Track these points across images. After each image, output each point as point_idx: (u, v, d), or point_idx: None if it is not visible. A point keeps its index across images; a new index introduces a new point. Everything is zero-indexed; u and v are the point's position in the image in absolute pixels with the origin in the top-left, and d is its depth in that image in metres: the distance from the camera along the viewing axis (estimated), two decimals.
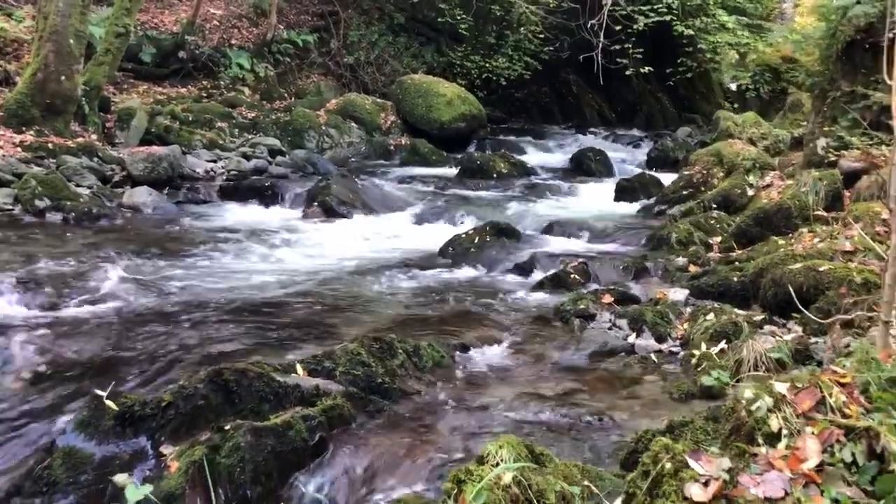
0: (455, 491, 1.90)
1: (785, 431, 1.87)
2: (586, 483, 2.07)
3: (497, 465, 1.94)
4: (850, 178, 6.45)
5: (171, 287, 5.44)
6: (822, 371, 2.10)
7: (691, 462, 1.78)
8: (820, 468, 1.77)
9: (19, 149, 8.78)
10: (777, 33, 17.71)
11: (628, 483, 1.89)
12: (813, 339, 4.04)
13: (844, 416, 1.87)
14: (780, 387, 1.97)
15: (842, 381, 1.98)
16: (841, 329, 3.76)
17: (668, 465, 1.76)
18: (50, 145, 9.05)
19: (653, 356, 4.32)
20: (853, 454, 1.77)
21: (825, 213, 6.07)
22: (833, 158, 6.88)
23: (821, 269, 4.52)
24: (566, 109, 20.41)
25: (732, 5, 18.74)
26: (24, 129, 9.24)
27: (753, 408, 1.93)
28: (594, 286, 5.72)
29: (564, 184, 11.13)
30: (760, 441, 1.89)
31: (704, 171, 8.85)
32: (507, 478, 1.87)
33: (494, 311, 5.21)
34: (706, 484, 1.72)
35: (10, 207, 7.45)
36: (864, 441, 1.78)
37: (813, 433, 1.85)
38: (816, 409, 1.91)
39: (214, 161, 10.68)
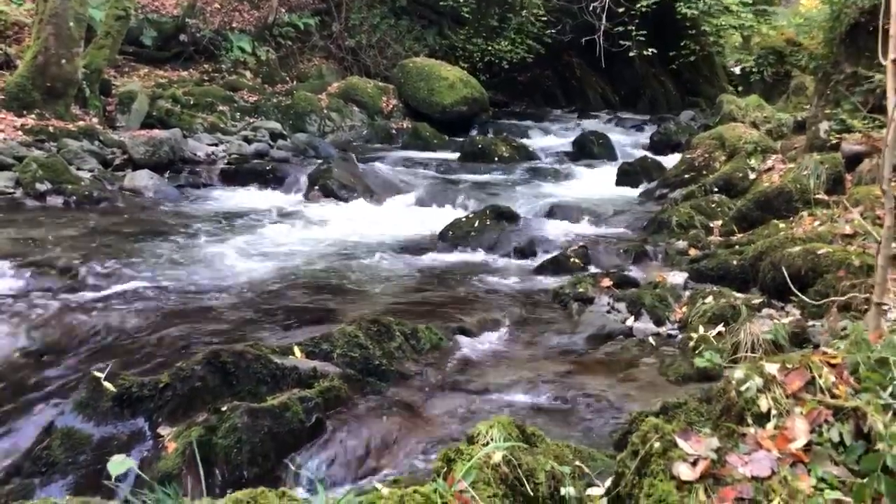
0: (445, 470, 1.91)
1: (774, 412, 1.88)
2: (577, 463, 2.08)
3: (487, 444, 1.96)
4: (852, 161, 6.43)
5: (169, 270, 5.45)
6: (814, 352, 2.11)
7: (680, 442, 1.79)
8: (808, 448, 1.78)
9: (20, 132, 8.79)
10: (781, 16, 17.59)
11: (618, 462, 1.91)
12: (811, 322, 4.04)
13: (833, 396, 1.88)
14: (771, 368, 1.98)
15: (832, 362, 1.99)
16: (838, 312, 3.77)
17: (657, 445, 1.77)
18: (51, 129, 9.06)
19: (651, 339, 4.33)
20: (841, 434, 1.78)
21: (826, 197, 6.05)
22: (835, 142, 6.86)
23: (819, 252, 4.51)
24: (569, 93, 20.35)
25: None
26: (25, 112, 9.24)
27: (743, 388, 1.94)
28: (594, 270, 5.73)
29: (566, 167, 11.09)
30: (750, 421, 1.90)
31: (706, 155, 8.82)
32: (497, 457, 1.88)
33: (493, 295, 5.22)
34: (694, 463, 1.73)
35: (12, 191, 7.47)
36: (852, 421, 1.80)
37: (802, 413, 1.86)
38: (806, 390, 1.92)
39: (215, 145, 10.67)
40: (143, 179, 8.38)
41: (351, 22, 16.79)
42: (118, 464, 1.76)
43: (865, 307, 3.53)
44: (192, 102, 11.91)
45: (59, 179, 7.62)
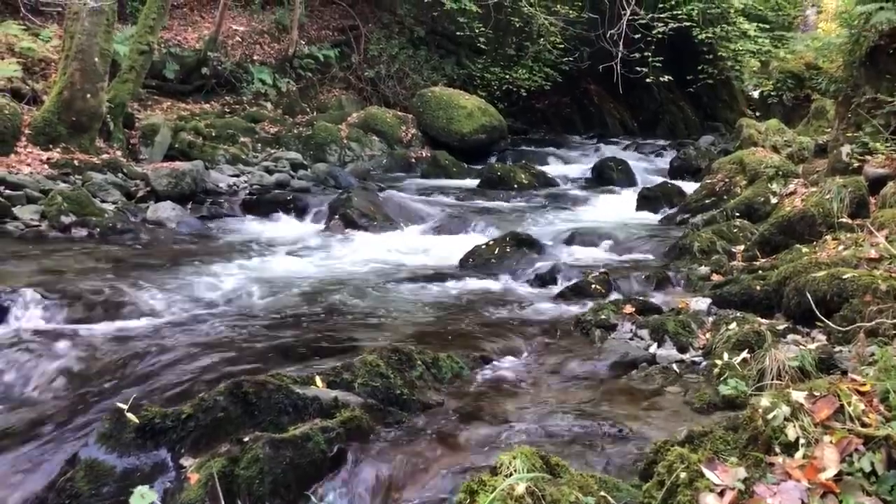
0: (468, 501, 1.89)
1: (802, 440, 1.85)
2: (602, 494, 2.05)
3: (510, 475, 1.93)
4: (876, 184, 6.37)
5: (192, 300, 5.49)
6: (841, 379, 2.07)
7: (706, 472, 1.76)
8: (838, 477, 1.75)
9: (46, 166, 8.94)
10: (799, 41, 17.58)
11: (643, 493, 1.88)
12: (837, 348, 3.97)
13: (863, 424, 1.84)
14: (798, 395, 1.95)
15: (861, 389, 1.95)
16: (865, 337, 3.71)
17: (683, 475, 1.74)
18: (76, 162, 9.21)
19: (674, 366, 4.27)
20: (872, 463, 1.74)
21: (850, 221, 5.98)
22: (858, 165, 6.81)
23: (844, 276, 4.45)
24: (588, 119, 20.41)
25: (754, 13, 18.65)
26: (50, 146, 9.40)
27: (770, 416, 1.91)
28: (615, 296, 5.68)
29: (586, 194, 11.10)
30: (778, 450, 1.86)
31: (727, 180, 8.79)
32: (521, 488, 1.86)
33: (514, 322, 5.20)
34: (721, 494, 1.70)
35: (37, 223, 7.57)
36: (884, 450, 1.76)
37: (831, 442, 1.82)
38: (835, 418, 1.88)
39: (237, 176, 10.79)
40: (165, 211, 8.47)
41: (370, 53, 17.00)
42: (140, 496, 1.76)
43: (893, 332, 3.47)
44: (213, 134, 12.07)
45: (83, 212, 7.72)
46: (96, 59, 9.64)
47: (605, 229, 8.16)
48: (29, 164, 8.83)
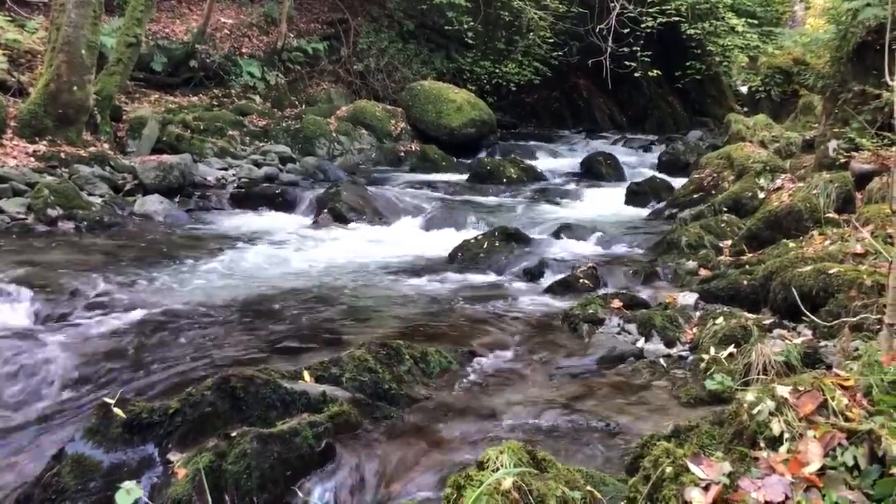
0: (455, 496, 1.89)
1: (787, 435, 1.86)
2: (589, 488, 2.06)
3: (497, 470, 1.94)
4: (862, 179, 6.41)
5: (180, 294, 5.47)
6: (826, 374, 2.09)
7: (692, 466, 1.77)
8: (822, 472, 1.76)
9: (32, 158, 8.87)
10: (787, 37, 17.64)
11: (629, 487, 1.89)
12: (822, 343, 4.00)
13: (847, 419, 1.86)
14: (783, 390, 1.96)
15: (844, 384, 1.97)
16: (850, 332, 3.74)
17: (669, 470, 1.76)
18: (62, 155, 9.14)
19: (662, 361, 4.30)
20: (855, 458, 1.76)
21: (836, 216, 6.03)
22: (844, 160, 6.85)
23: (830, 271, 4.48)
24: (577, 114, 20.44)
25: (743, 8, 18.71)
26: (37, 139, 9.33)
27: (755, 411, 1.92)
28: (603, 291, 5.71)
29: (575, 188, 11.12)
30: (762, 445, 1.88)
31: (715, 175, 8.83)
32: (507, 483, 1.87)
33: (503, 317, 5.21)
34: (706, 488, 1.72)
35: (24, 216, 7.51)
36: (866, 444, 1.77)
37: (815, 437, 1.84)
38: (819, 413, 1.90)
39: (225, 169, 10.75)
40: (153, 204, 8.43)
41: (359, 46, 16.95)
42: (125, 493, 1.75)
43: (878, 327, 3.50)
44: (202, 127, 12.00)
45: (70, 205, 7.67)
46: (83, 52, 9.57)
47: (593, 224, 8.18)
48: (15, 157, 8.76)
